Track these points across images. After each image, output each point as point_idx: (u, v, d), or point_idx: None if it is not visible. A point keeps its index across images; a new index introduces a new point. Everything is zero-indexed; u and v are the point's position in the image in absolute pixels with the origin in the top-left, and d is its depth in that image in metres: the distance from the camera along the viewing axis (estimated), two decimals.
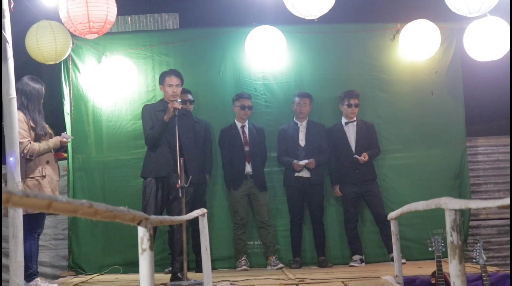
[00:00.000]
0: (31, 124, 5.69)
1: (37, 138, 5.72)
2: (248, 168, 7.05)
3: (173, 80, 6.19)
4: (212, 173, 7.19)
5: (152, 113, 6.17)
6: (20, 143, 5.47)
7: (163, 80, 6.26)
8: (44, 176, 5.67)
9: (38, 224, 5.71)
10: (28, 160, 5.63)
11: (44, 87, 5.91)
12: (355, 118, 7.19)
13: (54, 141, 5.85)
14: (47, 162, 5.74)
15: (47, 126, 5.92)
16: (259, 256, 7.24)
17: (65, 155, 6.24)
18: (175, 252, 5.99)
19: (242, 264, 6.95)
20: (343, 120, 7.20)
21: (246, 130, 7.15)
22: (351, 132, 7.15)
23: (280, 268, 6.84)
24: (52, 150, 5.85)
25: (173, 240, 6.05)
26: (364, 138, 7.12)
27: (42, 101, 5.89)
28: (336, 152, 7.16)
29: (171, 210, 6.06)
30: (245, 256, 7.03)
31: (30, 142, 5.61)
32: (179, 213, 5.60)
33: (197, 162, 6.35)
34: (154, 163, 6.11)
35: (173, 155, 5.91)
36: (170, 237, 6.16)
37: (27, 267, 5.46)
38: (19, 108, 5.55)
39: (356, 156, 6.97)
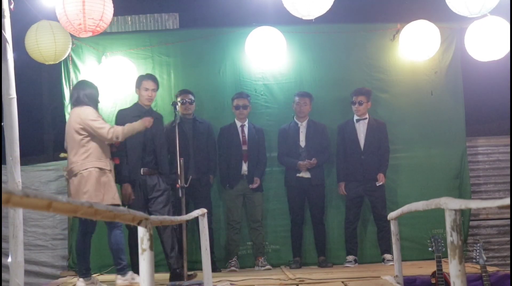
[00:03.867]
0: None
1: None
2: (245, 168, 7.04)
3: (150, 84, 6.31)
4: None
5: (127, 120, 6.07)
6: (101, 129, 5.45)
7: (139, 83, 6.36)
8: (110, 170, 5.68)
9: (92, 224, 5.67)
10: (112, 146, 5.61)
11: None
12: (367, 116, 7.17)
13: (140, 122, 5.80)
14: (111, 159, 5.76)
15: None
16: (250, 257, 7.22)
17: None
18: (167, 249, 6.12)
19: (232, 265, 6.94)
20: (355, 117, 7.19)
21: (246, 129, 7.14)
22: (361, 129, 7.13)
23: (268, 270, 6.83)
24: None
25: (163, 238, 6.13)
26: (373, 137, 7.10)
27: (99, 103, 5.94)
28: (344, 148, 7.16)
29: (153, 211, 6.10)
30: (235, 257, 7.01)
31: (112, 127, 5.59)
32: (175, 214, 5.62)
33: (195, 163, 6.36)
34: (125, 170, 6.14)
35: (144, 156, 6.10)
36: (159, 235, 6.21)
37: (84, 262, 5.58)
38: (86, 104, 5.59)
39: (377, 183, 7.00)
